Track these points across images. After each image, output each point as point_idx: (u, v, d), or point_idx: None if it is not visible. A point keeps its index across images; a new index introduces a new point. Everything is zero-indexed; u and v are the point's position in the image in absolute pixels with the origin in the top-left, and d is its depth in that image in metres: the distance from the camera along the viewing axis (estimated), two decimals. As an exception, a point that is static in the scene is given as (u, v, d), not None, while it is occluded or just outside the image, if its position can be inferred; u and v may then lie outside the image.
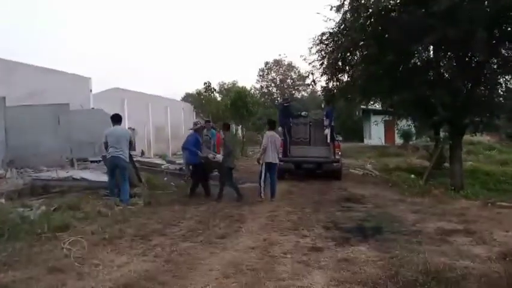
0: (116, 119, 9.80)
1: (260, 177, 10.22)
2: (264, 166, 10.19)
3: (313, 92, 55.28)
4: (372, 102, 18.97)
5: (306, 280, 4.58)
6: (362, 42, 11.56)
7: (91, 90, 22.58)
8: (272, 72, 69.20)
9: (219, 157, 10.53)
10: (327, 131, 14.49)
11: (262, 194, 10.09)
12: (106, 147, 9.38)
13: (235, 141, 11.17)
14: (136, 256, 5.45)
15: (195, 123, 11.73)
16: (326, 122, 14.76)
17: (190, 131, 11.49)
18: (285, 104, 16.54)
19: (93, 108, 21.47)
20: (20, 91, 17.76)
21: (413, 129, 28.74)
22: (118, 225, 7.05)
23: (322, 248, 5.84)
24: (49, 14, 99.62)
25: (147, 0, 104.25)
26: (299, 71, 62.45)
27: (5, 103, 13.08)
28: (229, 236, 6.54)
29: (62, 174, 11.19)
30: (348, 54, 12.37)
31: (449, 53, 11.49)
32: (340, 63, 12.66)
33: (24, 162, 14.14)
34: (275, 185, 10.32)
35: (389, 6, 10.92)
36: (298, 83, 66.94)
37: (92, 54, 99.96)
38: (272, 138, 10.35)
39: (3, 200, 8.31)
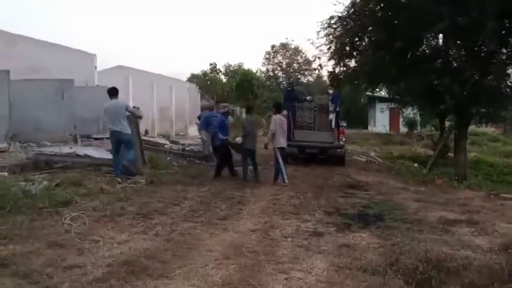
0: (113, 92, 9.46)
1: (278, 163, 10.05)
2: (277, 151, 10.02)
3: (319, 77, 54.96)
4: (378, 89, 18.87)
5: (306, 264, 4.57)
6: (371, 28, 11.42)
7: (96, 67, 22.46)
8: (278, 55, 68.73)
9: (238, 139, 10.72)
10: (332, 116, 14.24)
11: (285, 179, 9.95)
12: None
13: (256, 123, 11.12)
14: (136, 234, 5.45)
15: (224, 107, 12.21)
16: (331, 107, 14.50)
17: (205, 112, 11.45)
18: (289, 88, 16.39)
19: (97, 85, 21.38)
20: (23, 65, 17.65)
21: (418, 118, 28.71)
22: (120, 202, 7.06)
23: (323, 233, 5.82)
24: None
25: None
26: (306, 56, 61.96)
27: (9, 77, 13.00)
28: (230, 218, 6.54)
29: (65, 150, 11.18)
30: (356, 39, 12.24)
31: (458, 42, 11.34)
32: (347, 48, 12.54)
33: (27, 137, 14.15)
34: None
35: (400, -8, 10.76)
36: (304, 67, 66.49)
37: (98, 31, 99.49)
38: (280, 121, 10.20)
39: (6, 174, 8.33)
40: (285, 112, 12.05)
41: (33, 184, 7.32)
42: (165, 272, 4.21)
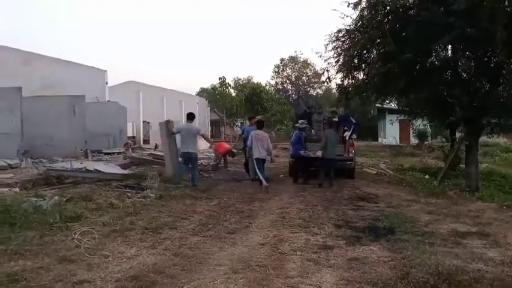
0: (190, 116, 11.54)
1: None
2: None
3: (328, 89, 55.04)
4: (387, 101, 18.78)
5: (315, 278, 4.53)
6: (379, 40, 11.41)
7: (107, 83, 22.77)
8: (287, 68, 69.07)
9: (318, 153, 12.19)
10: (347, 133, 14.06)
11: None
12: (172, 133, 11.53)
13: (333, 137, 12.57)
14: (146, 248, 5.46)
15: (301, 123, 13.31)
16: (347, 132, 14.07)
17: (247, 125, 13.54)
18: (307, 111, 16.24)
19: (108, 100, 21.63)
20: (36, 82, 17.97)
21: (429, 129, 28.48)
22: (129, 217, 7.09)
23: (333, 246, 5.77)
24: (67, 6, 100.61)
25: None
26: (314, 68, 62.19)
27: (21, 94, 13.23)
28: (239, 232, 6.52)
29: (76, 165, 11.31)
30: (365, 51, 12.24)
31: (467, 53, 11.29)
32: (356, 61, 12.54)
33: (39, 153, 14.36)
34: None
35: (408, 4, 10.79)
36: (313, 80, 66.64)
37: (109, 47, 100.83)
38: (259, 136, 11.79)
39: (17, 189, 8.43)
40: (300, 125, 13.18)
41: (44, 199, 7.40)
42: (173, 287, 4.21)
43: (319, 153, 12.18)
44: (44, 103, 15.37)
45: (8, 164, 11.67)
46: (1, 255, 4.88)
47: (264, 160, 11.71)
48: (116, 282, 4.25)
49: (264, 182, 11.01)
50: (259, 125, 12.47)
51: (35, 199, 7.33)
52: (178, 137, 11.70)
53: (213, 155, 16.78)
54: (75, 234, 5.77)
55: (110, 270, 4.59)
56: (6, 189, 8.21)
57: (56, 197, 7.64)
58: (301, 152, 12.68)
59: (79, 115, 15.75)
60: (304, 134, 13.14)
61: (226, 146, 16.49)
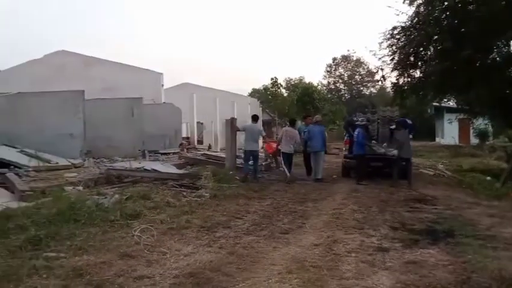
0: (255, 118, 13.30)
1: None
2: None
3: (382, 88, 53.76)
4: (445, 100, 18.14)
5: (371, 280, 4.46)
6: (436, 37, 11.08)
7: (163, 85, 23.42)
8: (340, 68, 68.15)
9: (393, 152, 12.39)
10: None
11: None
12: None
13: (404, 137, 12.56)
14: (201, 246, 5.59)
15: (363, 120, 13.35)
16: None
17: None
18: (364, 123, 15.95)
19: (164, 102, 22.26)
20: (97, 85, 18.78)
21: (490, 128, 27.20)
22: (185, 215, 7.26)
23: (389, 248, 5.65)
24: (126, 11, 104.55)
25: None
26: (368, 67, 60.87)
27: (83, 96, 13.89)
28: (293, 232, 6.52)
29: (135, 165, 11.73)
30: (421, 48, 11.92)
31: (532, 49, 10.71)
32: (412, 58, 12.24)
33: (100, 153, 15.01)
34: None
35: (467, -1, 10.37)
36: (366, 79, 65.33)
37: (164, 50, 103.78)
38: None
39: (81, 188, 8.84)
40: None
41: (105, 198, 7.73)
42: (229, 284, 4.28)
43: (394, 152, 12.36)
44: (105, 105, 16.05)
45: (72, 163, 12.29)
46: (67, 250, 5.15)
47: (291, 155, 12.85)
48: (174, 279, 4.39)
49: (288, 174, 12.35)
50: (292, 123, 13.98)
51: (97, 197, 7.66)
52: (242, 135, 13.20)
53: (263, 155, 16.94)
54: (134, 231, 6.02)
55: (168, 267, 4.75)
56: (71, 188, 8.63)
57: (117, 195, 7.95)
58: (376, 149, 12.81)
59: (137, 117, 16.33)
60: (365, 132, 12.98)
61: (273, 146, 16.59)
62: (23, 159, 11.27)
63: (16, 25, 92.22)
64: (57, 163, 11.96)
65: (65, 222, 6.07)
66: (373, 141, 13.51)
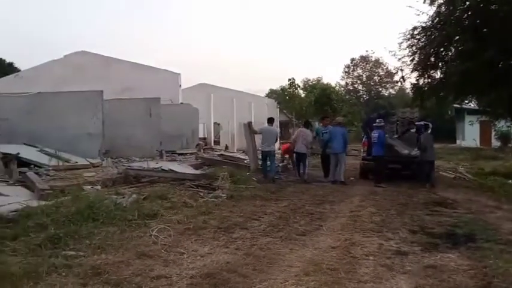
0: (271, 120, 14.08)
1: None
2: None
3: (402, 89, 53.18)
4: (466, 101, 17.85)
5: (389, 284, 4.39)
6: (457, 37, 10.91)
7: (180, 86, 23.49)
8: (358, 68, 67.62)
9: (414, 152, 12.75)
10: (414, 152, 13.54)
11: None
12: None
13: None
14: (218, 247, 5.58)
15: (380, 121, 13.21)
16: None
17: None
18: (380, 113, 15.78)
19: (181, 102, 22.34)
20: (114, 85, 18.93)
21: (513, 131, 26.66)
22: (202, 216, 7.28)
23: (408, 252, 5.56)
24: (144, 12, 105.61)
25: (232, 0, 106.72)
26: (387, 68, 60.23)
27: (102, 96, 14.02)
28: (310, 234, 6.48)
29: (152, 165, 11.80)
30: (442, 49, 11.76)
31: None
32: (432, 59, 12.08)
33: (118, 153, 15.13)
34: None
35: (489, -2, 10.18)
36: (385, 80, 64.69)
37: (182, 50, 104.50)
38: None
39: (99, 187, 8.93)
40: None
41: (123, 197, 7.79)
42: (246, 286, 4.27)
43: (415, 153, 12.65)
44: (123, 105, 16.18)
45: (91, 163, 12.42)
46: (86, 249, 5.19)
47: (304, 154, 13.39)
48: (190, 279, 4.39)
49: (300, 172, 13.27)
50: (306, 125, 14.82)
51: (116, 197, 7.72)
52: (259, 137, 13.61)
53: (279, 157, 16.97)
54: (152, 231, 6.05)
55: (185, 267, 4.75)
56: (90, 187, 8.72)
57: (134, 195, 8.01)
58: (399, 149, 12.99)
59: (155, 117, 16.42)
60: (386, 134, 13.01)
61: (286, 145, 16.64)
62: (43, 159, 11.42)
63: (37, 25, 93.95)
64: (76, 162, 12.09)
65: (84, 221, 6.13)
66: (397, 141, 13.39)
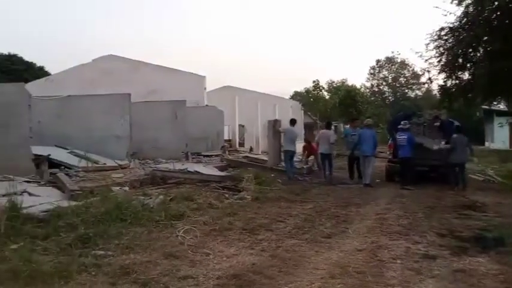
0: (292, 121, 14.48)
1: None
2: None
3: (428, 91, 52.24)
4: (495, 103, 17.46)
5: (417, 288, 4.34)
6: (486, 37, 10.67)
7: (205, 88, 23.67)
8: (384, 70, 66.74)
9: (447, 146, 12.44)
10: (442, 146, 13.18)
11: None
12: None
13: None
14: (244, 249, 5.62)
15: (404, 123, 12.92)
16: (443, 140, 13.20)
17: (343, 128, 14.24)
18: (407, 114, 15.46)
19: (207, 105, 22.51)
20: (141, 88, 19.21)
21: (544, 133, 25.88)
22: (227, 217, 7.34)
23: (436, 256, 5.47)
24: (168, 15, 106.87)
25: (257, 2, 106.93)
26: (413, 69, 59.21)
27: (130, 99, 14.25)
28: (335, 236, 6.45)
29: (178, 166, 11.94)
30: (470, 50, 11.54)
31: None
32: (460, 60, 11.86)
33: (145, 154, 15.35)
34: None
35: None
36: (411, 81, 63.67)
37: (207, 53, 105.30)
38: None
39: (127, 188, 9.08)
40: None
41: (150, 198, 7.91)
42: (271, 287, 4.28)
43: (447, 146, 12.35)
44: (149, 108, 16.41)
45: (119, 164, 12.65)
46: (115, 249, 5.30)
47: (328, 155, 13.70)
48: (217, 280, 4.43)
49: (325, 173, 13.61)
50: (327, 126, 15.25)
51: (143, 197, 7.85)
52: (282, 136, 14.35)
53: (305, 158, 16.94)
54: (178, 232, 6.13)
55: (211, 268, 4.80)
56: (118, 188, 8.88)
57: (161, 196, 8.12)
58: (430, 146, 12.72)
59: (181, 119, 16.60)
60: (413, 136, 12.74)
61: (308, 145, 16.64)
62: (73, 160, 11.70)
63: (66, 29, 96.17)
64: (104, 164, 12.34)
65: (113, 222, 6.24)
66: (426, 138, 13.17)
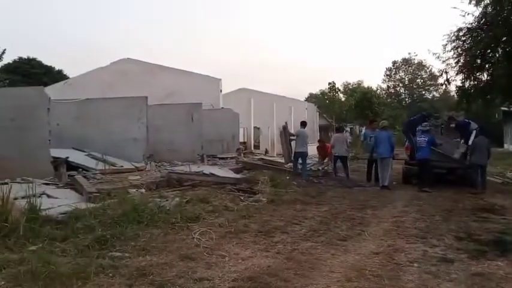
0: (303, 124, 14.95)
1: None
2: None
3: (446, 92, 51.59)
4: (515, 103, 17.18)
5: (435, 292, 4.29)
6: (505, 38, 10.52)
7: (221, 91, 23.77)
8: (400, 71, 66.20)
9: (456, 156, 12.61)
10: (462, 150, 12.89)
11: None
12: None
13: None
14: (259, 251, 5.62)
15: (424, 125, 12.99)
16: (463, 142, 13.01)
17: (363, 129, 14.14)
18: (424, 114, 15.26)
19: (222, 107, 22.60)
20: (157, 91, 19.39)
21: None
22: (243, 220, 7.35)
23: (454, 259, 5.40)
24: (184, 20, 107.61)
25: (271, 4, 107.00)
26: (430, 70, 58.56)
27: (147, 102, 14.39)
28: (351, 239, 6.40)
29: (194, 169, 12.00)
30: (488, 50, 11.40)
31: None
32: (478, 61, 11.73)
33: (161, 157, 15.47)
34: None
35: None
36: (428, 82, 62.98)
37: (222, 56, 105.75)
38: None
39: (143, 190, 9.16)
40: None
41: (166, 200, 7.96)
42: (287, 290, 4.27)
43: (459, 151, 12.44)
44: (166, 111, 16.55)
45: (136, 166, 12.77)
46: (131, 251, 5.36)
47: (343, 157, 14.25)
48: (232, 282, 4.44)
49: (342, 175, 14.03)
50: (339, 130, 16.32)
51: (159, 200, 7.90)
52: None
53: (321, 159, 16.95)
54: (194, 234, 6.16)
55: (226, 270, 4.81)
56: (134, 190, 8.97)
57: (177, 198, 8.17)
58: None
59: (196, 122, 16.70)
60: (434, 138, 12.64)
61: (322, 146, 16.68)
62: (90, 163, 11.85)
63: (84, 33, 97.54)
64: (121, 166, 12.47)
65: (129, 223, 6.31)
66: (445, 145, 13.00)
